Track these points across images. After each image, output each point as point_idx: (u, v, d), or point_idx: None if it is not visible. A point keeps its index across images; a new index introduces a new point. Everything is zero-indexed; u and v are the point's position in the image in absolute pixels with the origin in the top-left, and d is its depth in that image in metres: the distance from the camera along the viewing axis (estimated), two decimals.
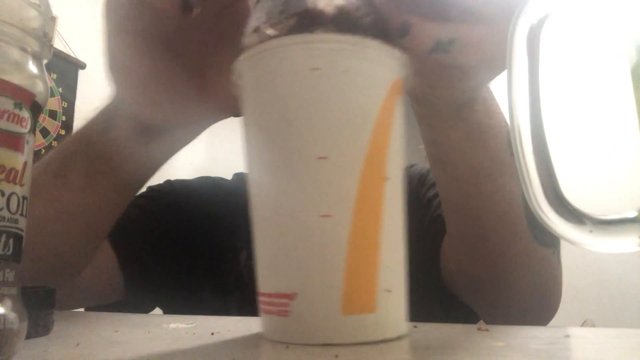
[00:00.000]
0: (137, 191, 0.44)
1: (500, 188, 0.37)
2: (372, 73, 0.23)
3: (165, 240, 0.58)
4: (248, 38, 0.25)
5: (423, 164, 0.70)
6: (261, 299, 0.24)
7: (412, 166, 0.70)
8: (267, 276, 0.23)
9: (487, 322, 0.46)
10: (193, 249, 0.59)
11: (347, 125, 0.22)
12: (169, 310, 0.61)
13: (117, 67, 0.35)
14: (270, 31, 0.23)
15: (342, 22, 0.22)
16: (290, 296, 0.22)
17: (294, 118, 0.22)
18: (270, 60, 0.22)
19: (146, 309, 0.59)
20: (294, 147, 0.22)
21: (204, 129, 0.41)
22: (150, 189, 0.64)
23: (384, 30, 0.25)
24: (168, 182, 0.67)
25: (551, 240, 0.41)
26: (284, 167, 0.22)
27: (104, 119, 0.39)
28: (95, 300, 0.53)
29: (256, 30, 0.24)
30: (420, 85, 0.33)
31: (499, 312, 0.45)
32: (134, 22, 0.33)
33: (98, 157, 0.38)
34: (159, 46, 0.34)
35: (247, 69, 0.25)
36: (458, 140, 0.36)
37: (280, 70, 0.22)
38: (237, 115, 0.34)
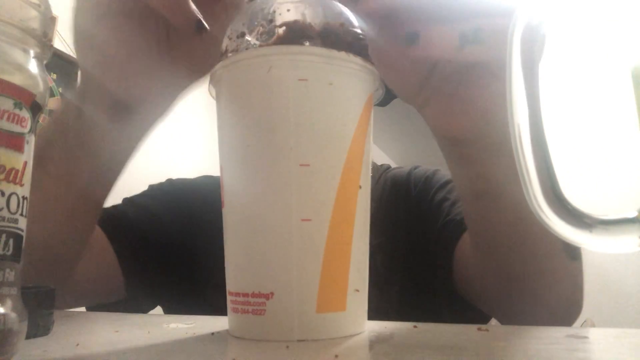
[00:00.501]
0: (119, 174, 0.42)
1: None
2: (353, 87, 0.24)
3: (166, 238, 0.58)
4: (232, 42, 0.25)
5: (427, 166, 0.70)
6: (233, 298, 0.25)
7: (415, 168, 0.70)
8: (242, 276, 0.24)
9: (503, 324, 0.46)
10: (194, 247, 0.59)
11: (329, 134, 0.23)
12: (170, 309, 0.61)
13: (87, 43, 0.35)
14: (258, 39, 0.24)
15: (328, 37, 0.24)
16: (267, 296, 0.23)
17: (279, 125, 0.23)
18: (258, 68, 0.23)
19: (147, 308, 0.59)
20: (277, 154, 0.23)
21: (173, 100, 0.40)
22: (151, 187, 0.64)
23: (364, 46, 0.26)
24: (169, 180, 0.67)
25: (578, 253, 0.41)
26: (267, 173, 0.23)
27: (75, 103, 0.38)
28: (96, 299, 0.53)
29: (241, 35, 0.25)
30: (475, 124, 0.31)
31: (519, 320, 0.44)
32: (120, 5, 0.33)
33: (73, 145, 0.38)
34: (132, 23, 0.34)
35: (231, 74, 0.25)
36: (505, 167, 0.34)
37: (268, 79, 0.23)
38: (204, 74, 0.33)
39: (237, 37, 0.25)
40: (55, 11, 0.25)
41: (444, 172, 0.68)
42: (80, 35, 0.35)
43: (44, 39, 0.24)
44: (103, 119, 0.37)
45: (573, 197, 0.16)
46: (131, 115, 0.38)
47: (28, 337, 0.22)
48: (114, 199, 0.47)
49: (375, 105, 0.61)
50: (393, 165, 0.75)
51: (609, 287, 1.95)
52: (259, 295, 0.23)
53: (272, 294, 0.23)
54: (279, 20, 0.24)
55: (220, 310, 0.37)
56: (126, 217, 0.55)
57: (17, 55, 0.22)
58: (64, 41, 1.86)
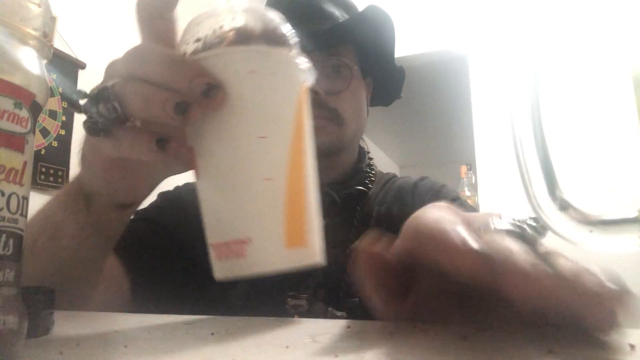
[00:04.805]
0: (118, 236, 0.46)
1: None
2: (291, 75, 0.31)
3: (172, 244, 0.60)
4: (189, 46, 0.31)
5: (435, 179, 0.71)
6: (216, 249, 0.30)
7: (422, 179, 0.71)
8: (221, 228, 0.30)
9: None
10: (198, 248, 0.60)
11: (278, 112, 0.30)
12: (171, 309, 0.62)
13: (95, 165, 0.38)
14: (213, 42, 0.30)
15: (269, 38, 0.30)
16: (246, 241, 0.28)
17: (239, 109, 0.29)
18: (217, 64, 0.29)
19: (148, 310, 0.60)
20: (240, 130, 0.29)
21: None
22: (160, 195, 0.67)
23: (294, 43, 0.32)
24: (176, 188, 0.69)
25: None
26: (233, 145, 0.29)
27: (84, 198, 0.42)
28: (99, 309, 0.55)
29: (197, 40, 0.31)
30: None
31: None
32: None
33: (84, 226, 0.42)
34: (137, 149, 0.34)
35: None
36: None
37: (226, 72, 0.29)
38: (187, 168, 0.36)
39: (194, 42, 0.31)
40: (55, 11, 0.25)
41: (451, 188, 0.69)
42: (89, 158, 0.38)
43: (44, 39, 0.24)
44: (110, 213, 0.42)
45: (573, 197, 0.16)
46: (134, 206, 0.44)
47: (28, 337, 0.22)
48: None
49: (378, 105, 0.70)
50: (396, 168, 0.77)
51: None
52: (239, 241, 0.28)
53: (249, 238, 0.28)
54: (228, 27, 0.30)
55: (221, 307, 0.37)
56: (134, 231, 0.58)
57: (17, 55, 0.22)
58: (64, 41, 1.85)
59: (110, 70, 0.32)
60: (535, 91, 0.17)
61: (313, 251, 0.31)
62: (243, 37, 0.29)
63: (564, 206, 0.16)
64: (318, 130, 0.64)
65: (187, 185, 0.69)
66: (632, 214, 0.15)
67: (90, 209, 0.41)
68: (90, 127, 0.31)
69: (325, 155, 0.66)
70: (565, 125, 1.92)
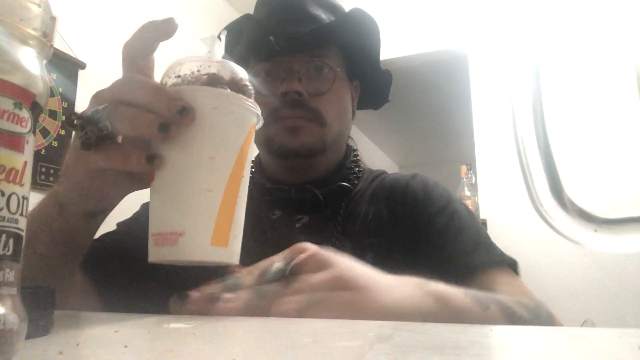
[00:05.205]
0: (87, 244, 0.50)
1: None
2: (245, 115, 0.39)
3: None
4: (171, 79, 0.39)
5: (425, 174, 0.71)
6: (155, 237, 0.36)
7: (413, 177, 0.70)
8: (164, 222, 0.37)
9: None
10: None
11: (228, 141, 0.37)
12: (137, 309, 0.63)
13: (77, 176, 0.42)
14: (189, 81, 0.39)
15: (233, 85, 0.39)
16: (181, 233, 0.35)
17: (199, 134, 0.36)
18: (190, 97, 0.36)
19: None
20: (197, 151, 0.36)
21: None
22: (143, 206, 0.70)
23: (251, 92, 0.41)
24: None
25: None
26: (189, 161, 0.36)
27: (58, 208, 0.46)
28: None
29: (179, 77, 0.39)
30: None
31: None
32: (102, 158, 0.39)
33: (57, 234, 0.46)
34: (110, 163, 0.40)
35: None
36: None
37: (195, 104, 0.36)
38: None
39: (175, 77, 0.39)
40: (55, 11, 0.25)
41: (443, 186, 0.69)
42: (66, 172, 0.44)
43: (44, 39, 0.24)
44: (81, 221, 0.46)
45: (577, 196, 0.16)
46: (103, 215, 0.48)
47: (28, 337, 0.22)
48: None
49: (368, 108, 0.83)
50: (396, 168, 0.77)
51: (609, 287, 1.95)
52: (175, 233, 0.35)
53: (183, 232, 0.35)
54: (203, 72, 0.38)
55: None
56: (102, 244, 0.61)
57: (17, 55, 0.22)
58: (64, 41, 1.85)
59: (99, 97, 0.39)
60: (538, 89, 0.17)
61: (232, 252, 0.38)
62: (213, 81, 0.38)
63: (568, 205, 0.16)
64: (299, 130, 0.65)
65: None
66: (637, 213, 0.15)
67: (62, 218, 0.45)
68: (84, 143, 0.38)
69: (307, 156, 0.66)
70: (569, 123, 1.92)
